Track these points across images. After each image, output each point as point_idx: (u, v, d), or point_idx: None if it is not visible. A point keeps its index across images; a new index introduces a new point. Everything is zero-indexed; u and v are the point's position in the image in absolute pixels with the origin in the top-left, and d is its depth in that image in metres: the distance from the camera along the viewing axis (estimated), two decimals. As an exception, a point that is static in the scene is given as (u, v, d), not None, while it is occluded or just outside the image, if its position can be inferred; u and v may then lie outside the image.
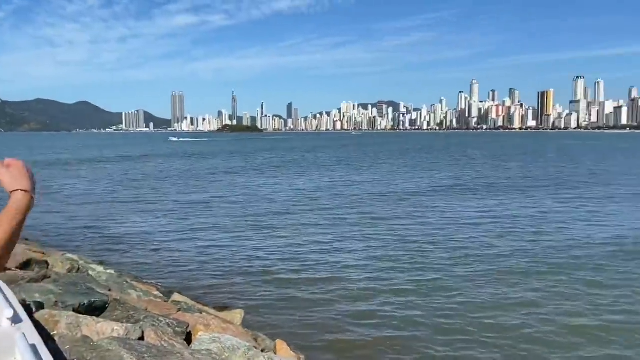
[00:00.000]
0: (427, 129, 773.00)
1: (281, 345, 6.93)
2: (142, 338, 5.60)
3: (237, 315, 8.49)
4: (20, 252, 9.89)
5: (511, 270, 12.79)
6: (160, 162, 62.54)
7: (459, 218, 20.52)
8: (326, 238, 16.62)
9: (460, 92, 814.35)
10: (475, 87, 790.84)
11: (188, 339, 6.30)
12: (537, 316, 9.61)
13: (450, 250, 14.96)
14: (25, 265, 9.05)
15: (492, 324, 9.20)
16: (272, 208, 23.15)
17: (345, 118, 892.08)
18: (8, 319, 4.50)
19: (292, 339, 7.68)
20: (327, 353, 8.02)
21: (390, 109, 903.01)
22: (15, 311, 4.51)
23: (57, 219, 20.63)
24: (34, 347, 3.74)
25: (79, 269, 9.59)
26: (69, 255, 10.44)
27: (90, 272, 9.49)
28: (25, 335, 3.90)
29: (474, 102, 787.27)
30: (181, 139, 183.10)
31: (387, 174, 40.70)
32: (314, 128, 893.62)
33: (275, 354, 6.53)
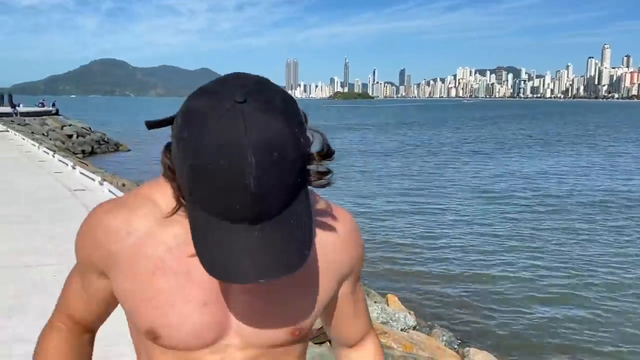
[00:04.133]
0: (551, 97, 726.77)
1: (393, 298, 7.38)
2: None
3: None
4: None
5: None
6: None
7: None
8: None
9: (589, 57, 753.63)
10: (607, 52, 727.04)
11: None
12: None
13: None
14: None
15: None
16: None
17: (461, 85, 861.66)
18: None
19: (401, 295, 8.10)
20: (437, 309, 8.34)
21: (510, 76, 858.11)
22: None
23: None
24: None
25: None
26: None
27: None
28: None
29: (605, 68, 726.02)
30: None
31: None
32: (427, 95, 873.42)
33: (387, 306, 7.00)
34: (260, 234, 0.72)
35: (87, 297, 0.95)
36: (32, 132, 25.73)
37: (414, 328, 6.62)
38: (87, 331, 1.02)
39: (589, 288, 9.42)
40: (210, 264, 0.72)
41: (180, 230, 0.83)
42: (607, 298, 8.94)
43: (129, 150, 31.40)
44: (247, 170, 0.68)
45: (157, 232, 0.84)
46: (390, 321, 6.51)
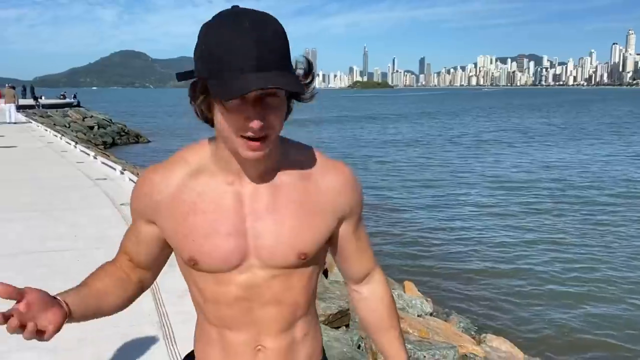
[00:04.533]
0: (573, 85, 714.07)
1: (409, 285, 7.41)
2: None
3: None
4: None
5: None
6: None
7: None
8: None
9: (613, 43, 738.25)
10: (632, 38, 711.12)
11: (325, 273, 7.01)
12: None
13: None
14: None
15: None
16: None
17: (482, 73, 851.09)
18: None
19: (418, 282, 8.13)
20: (456, 298, 8.36)
21: (532, 63, 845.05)
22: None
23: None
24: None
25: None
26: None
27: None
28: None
29: (630, 54, 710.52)
30: None
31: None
32: (447, 83, 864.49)
33: (404, 292, 7.04)
34: (262, 74, 0.93)
35: (136, 240, 1.21)
36: (54, 124, 26.11)
37: (431, 314, 6.65)
38: (138, 267, 1.25)
39: (610, 282, 9.31)
40: (229, 92, 0.92)
41: (206, 179, 1.10)
42: (628, 291, 8.86)
43: (148, 141, 31.72)
44: (246, 24, 0.93)
45: (189, 182, 1.10)
46: (407, 307, 6.55)
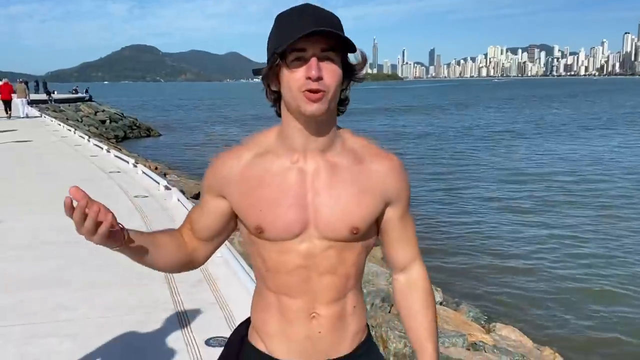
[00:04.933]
0: (585, 75, 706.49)
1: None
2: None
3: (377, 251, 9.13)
4: (192, 186, 11.46)
5: None
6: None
7: None
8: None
9: (625, 33, 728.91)
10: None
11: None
12: None
13: None
14: (198, 196, 10.50)
15: None
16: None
17: (492, 64, 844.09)
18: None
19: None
20: (466, 288, 8.42)
21: (543, 53, 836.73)
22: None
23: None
24: (226, 247, 4.72)
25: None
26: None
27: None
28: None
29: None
30: None
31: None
32: (457, 75, 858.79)
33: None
34: (319, 29, 1.11)
35: (201, 212, 1.35)
36: (67, 119, 26.35)
37: (441, 304, 6.70)
38: (196, 237, 1.37)
39: (621, 276, 9.25)
40: (290, 38, 1.11)
41: (273, 158, 1.26)
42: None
43: (159, 135, 31.91)
44: (308, 9, 1.16)
45: (257, 161, 1.26)
46: (416, 296, 6.61)
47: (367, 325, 1.42)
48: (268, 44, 1.20)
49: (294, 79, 1.14)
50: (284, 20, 1.17)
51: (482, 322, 6.62)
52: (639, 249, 10.19)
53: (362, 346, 1.38)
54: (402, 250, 1.39)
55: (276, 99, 1.25)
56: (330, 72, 1.15)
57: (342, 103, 1.26)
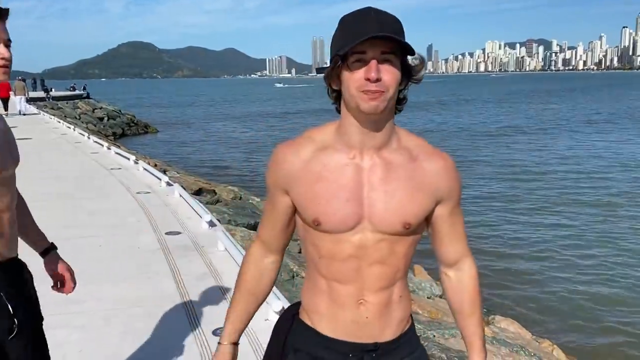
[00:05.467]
0: (583, 69, 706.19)
1: (419, 269, 7.55)
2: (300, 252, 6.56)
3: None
4: (192, 182, 11.49)
5: None
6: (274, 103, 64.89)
7: None
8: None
9: (623, 27, 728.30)
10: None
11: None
12: None
13: None
14: (198, 192, 10.54)
15: None
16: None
17: (490, 59, 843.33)
18: (207, 222, 5.70)
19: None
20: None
21: (541, 48, 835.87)
22: (211, 219, 5.70)
23: (211, 157, 22.66)
24: (229, 241, 4.80)
25: (241, 197, 10.95)
26: (231, 187, 11.85)
27: (251, 201, 10.81)
28: (223, 233, 5.01)
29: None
30: (286, 85, 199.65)
31: None
32: (455, 70, 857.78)
33: (414, 276, 7.20)
34: (381, 33, 1.17)
35: (276, 212, 1.42)
36: (65, 116, 26.33)
37: (440, 297, 6.78)
38: (272, 252, 1.49)
39: (622, 264, 9.44)
40: (353, 40, 1.16)
41: (331, 153, 1.32)
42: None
43: (157, 131, 31.92)
44: (371, 13, 1.20)
45: (316, 156, 1.32)
46: (417, 290, 6.69)
47: (411, 316, 1.49)
48: (331, 45, 1.26)
49: (353, 79, 1.20)
50: (347, 23, 1.23)
51: (482, 315, 6.70)
52: (637, 248, 10.28)
53: (405, 334, 1.44)
54: (451, 246, 1.44)
55: (337, 97, 1.31)
56: (389, 74, 1.20)
57: (400, 102, 1.31)
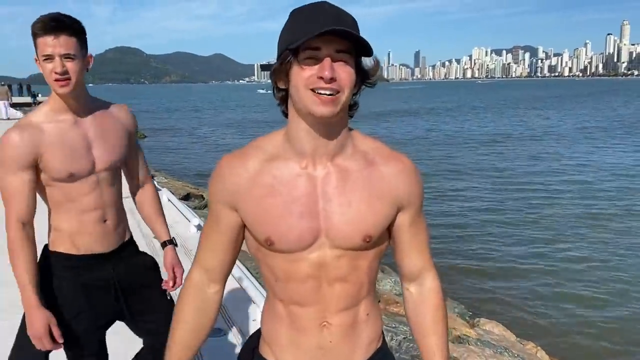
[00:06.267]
0: (569, 76, 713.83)
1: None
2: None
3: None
4: (180, 187, 11.50)
5: None
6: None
7: None
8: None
9: (608, 34, 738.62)
10: (627, 29, 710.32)
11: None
12: None
13: None
14: (186, 197, 10.57)
15: None
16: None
17: (477, 65, 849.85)
18: (195, 226, 5.76)
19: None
20: (451, 285, 8.56)
21: (527, 55, 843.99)
22: (199, 223, 5.76)
23: (198, 163, 22.67)
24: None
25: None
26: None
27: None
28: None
29: (624, 45, 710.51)
30: (268, 91, 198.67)
31: None
32: (442, 76, 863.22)
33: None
34: (338, 27, 1.05)
35: (218, 238, 1.27)
36: (52, 121, 26.19)
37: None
38: (215, 281, 1.32)
39: (602, 267, 9.54)
40: (309, 33, 1.05)
41: (281, 164, 1.19)
42: (620, 280, 9.00)
43: (144, 137, 31.78)
44: (325, 6, 1.10)
45: (266, 167, 1.19)
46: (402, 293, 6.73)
47: (383, 333, 1.37)
48: (280, 39, 1.14)
49: (304, 77, 1.08)
50: (299, 16, 1.11)
51: (467, 318, 6.71)
52: (622, 252, 10.37)
53: (376, 354, 1.32)
54: (413, 258, 1.31)
55: (283, 97, 1.18)
56: (345, 74, 1.09)
57: (350, 108, 1.19)
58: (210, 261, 1.30)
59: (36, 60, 1.83)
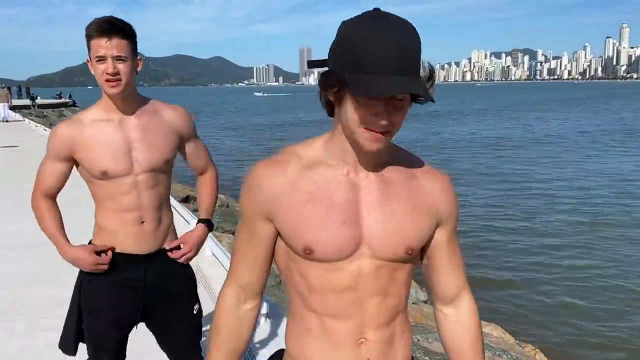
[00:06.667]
0: (568, 79, 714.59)
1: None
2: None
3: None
4: (179, 189, 11.53)
5: None
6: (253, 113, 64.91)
7: None
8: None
9: (607, 37, 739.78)
10: (626, 32, 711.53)
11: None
12: None
13: None
14: (185, 200, 10.59)
15: None
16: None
17: (476, 68, 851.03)
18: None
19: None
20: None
21: (526, 58, 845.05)
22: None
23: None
24: (217, 246, 4.87)
25: (228, 205, 11.02)
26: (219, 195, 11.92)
27: (238, 209, 10.88)
28: (211, 239, 5.08)
29: (623, 48, 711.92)
30: (265, 94, 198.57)
31: None
32: (442, 79, 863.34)
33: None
34: (401, 78, 0.99)
35: (254, 252, 1.21)
36: (50, 124, 26.20)
37: (425, 302, 6.86)
38: (252, 297, 1.26)
39: (602, 267, 9.61)
40: (371, 91, 0.98)
41: (322, 169, 1.14)
42: (617, 277, 9.12)
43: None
44: (387, 27, 0.99)
45: (305, 173, 1.14)
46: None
47: (412, 357, 1.30)
48: (336, 54, 1.05)
49: (360, 113, 1.03)
50: (364, 41, 0.99)
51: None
52: (620, 257, 10.38)
53: None
54: (450, 279, 1.27)
55: (329, 105, 1.13)
56: (400, 111, 1.04)
57: None
58: (247, 277, 1.24)
59: (88, 61, 1.91)
